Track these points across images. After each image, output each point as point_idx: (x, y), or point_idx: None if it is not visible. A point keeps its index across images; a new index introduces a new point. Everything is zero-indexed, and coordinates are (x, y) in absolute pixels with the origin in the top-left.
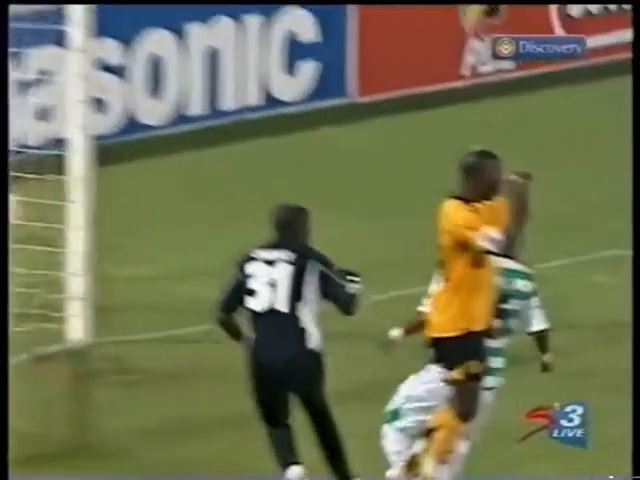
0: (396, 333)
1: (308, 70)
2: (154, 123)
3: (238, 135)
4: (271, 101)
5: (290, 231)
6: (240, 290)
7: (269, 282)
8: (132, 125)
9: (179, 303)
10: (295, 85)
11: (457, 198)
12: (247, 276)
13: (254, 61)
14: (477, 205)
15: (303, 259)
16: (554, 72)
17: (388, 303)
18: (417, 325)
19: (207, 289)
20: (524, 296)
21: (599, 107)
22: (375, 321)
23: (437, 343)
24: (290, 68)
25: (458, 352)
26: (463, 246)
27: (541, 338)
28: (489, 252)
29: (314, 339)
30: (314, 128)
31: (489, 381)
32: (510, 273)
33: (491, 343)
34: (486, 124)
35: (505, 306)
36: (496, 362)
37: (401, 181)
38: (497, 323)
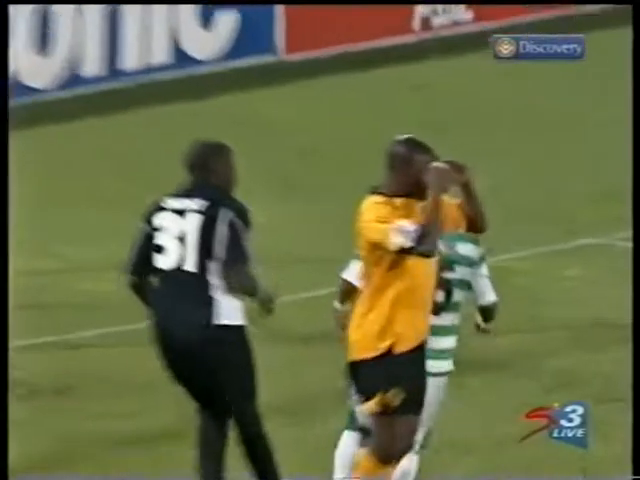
0: (337, 305)
1: (227, 23)
2: (41, 85)
3: (142, 99)
4: (182, 59)
5: (205, 174)
6: (149, 247)
7: (178, 236)
8: (15, 88)
9: (79, 301)
10: (211, 40)
11: (379, 193)
12: (155, 229)
13: (161, 12)
14: (397, 201)
15: (215, 207)
16: (519, 24)
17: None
18: (347, 292)
19: (111, 284)
20: (470, 262)
21: (569, 73)
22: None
23: (353, 367)
24: (205, 20)
25: (375, 378)
26: (378, 247)
27: (489, 310)
28: (405, 251)
29: (225, 312)
30: (233, 91)
31: (440, 365)
32: (451, 236)
33: (437, 320)
34: (436, 85)
35: (448, 275)
36: (445, 342)
37: (337, 155)
38: (440, 296)
